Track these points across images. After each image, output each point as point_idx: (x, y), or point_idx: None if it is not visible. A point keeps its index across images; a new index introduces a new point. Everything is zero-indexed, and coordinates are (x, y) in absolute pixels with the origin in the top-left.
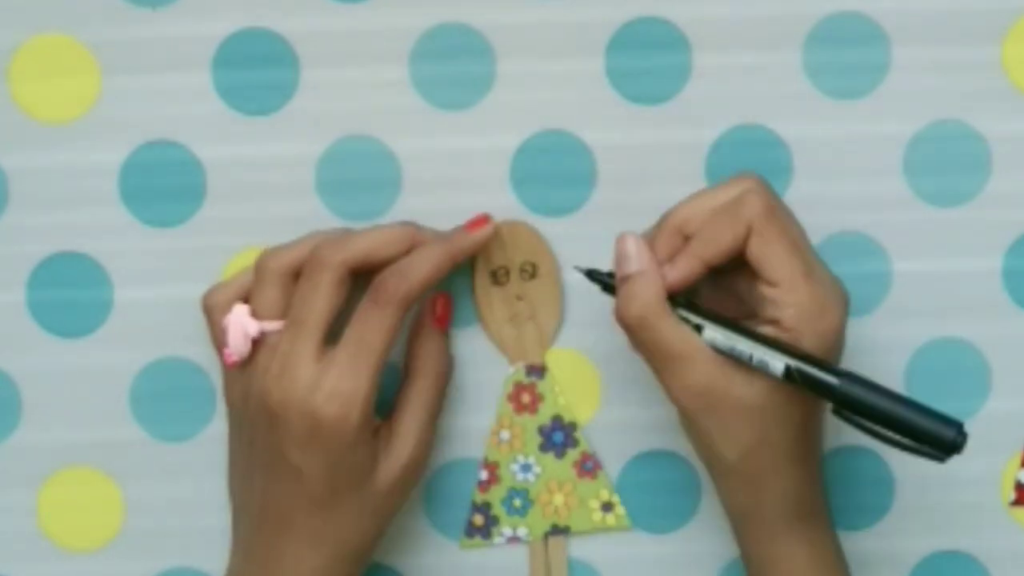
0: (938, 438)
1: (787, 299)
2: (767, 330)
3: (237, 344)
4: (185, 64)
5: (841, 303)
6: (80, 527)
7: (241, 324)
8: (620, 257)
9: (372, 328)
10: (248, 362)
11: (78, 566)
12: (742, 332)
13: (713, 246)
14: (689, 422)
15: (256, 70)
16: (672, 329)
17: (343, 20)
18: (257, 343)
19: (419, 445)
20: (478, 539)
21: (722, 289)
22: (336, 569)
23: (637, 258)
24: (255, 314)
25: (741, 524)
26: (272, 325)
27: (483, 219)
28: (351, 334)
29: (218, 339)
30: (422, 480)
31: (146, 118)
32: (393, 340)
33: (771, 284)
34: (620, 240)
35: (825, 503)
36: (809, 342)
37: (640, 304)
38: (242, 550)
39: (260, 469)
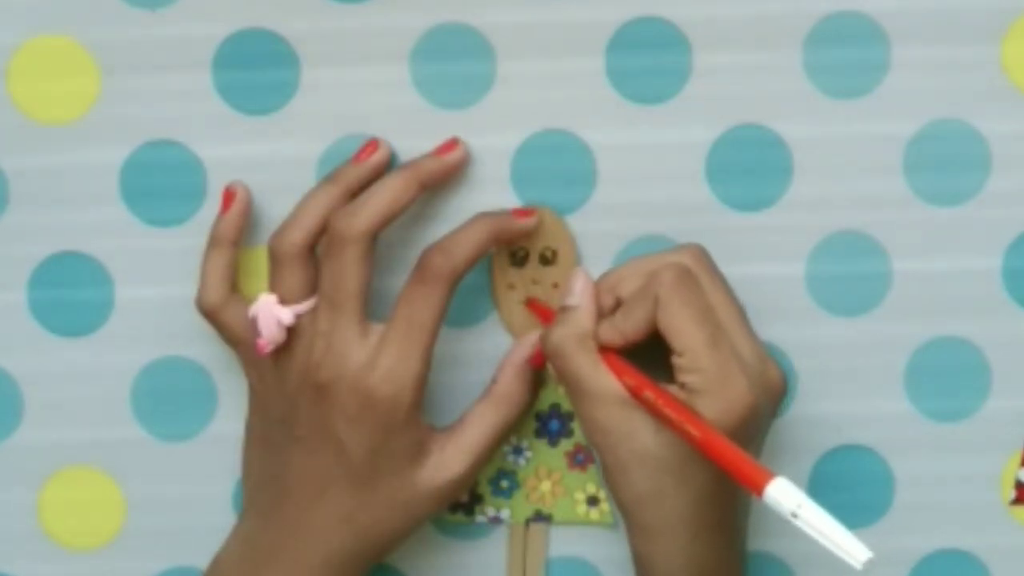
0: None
1: (690, 366)
2: (675, 390)
3: (271, 334)
4: (185, 64)
5: (750, 377)
6: (81, 526)
7: (273, 314)
8: (566, 289)
9: (420, 307)
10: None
11: (79, 565)
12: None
13: (629, 321)
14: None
15: (256, 70)
16: (586, 365)
17: (343, 20)
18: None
19: (474, 466)
20: (460, 515)
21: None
22: (359, 552)
23: (579, 294)
24: (282, 300)
25: (638, 571)
26: (302, 307)
27: (531, 211)
28: (400, 313)
29: (234, 336)
30: None
31: (146, 118)
32: (442, 317)
33: (678, 353)
34: (573, 274)
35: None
36: (715, 408)
37: (560, 335)
38: (261, 516)
39: (300, 442)
